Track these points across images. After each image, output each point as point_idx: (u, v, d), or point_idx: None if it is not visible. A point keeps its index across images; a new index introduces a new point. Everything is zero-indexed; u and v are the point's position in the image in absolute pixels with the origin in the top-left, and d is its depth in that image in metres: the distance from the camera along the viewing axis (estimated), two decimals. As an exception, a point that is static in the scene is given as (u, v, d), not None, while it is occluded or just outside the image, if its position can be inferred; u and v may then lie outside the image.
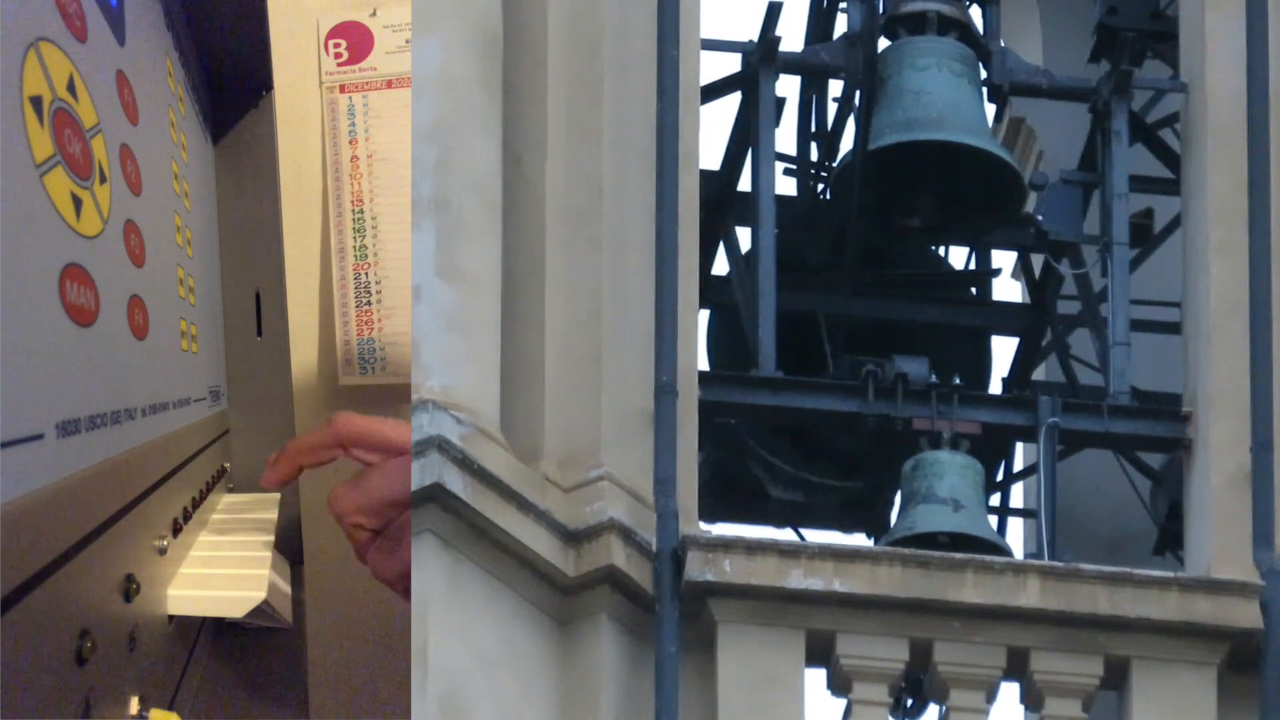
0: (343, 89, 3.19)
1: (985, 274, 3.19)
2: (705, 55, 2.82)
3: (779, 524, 3.09)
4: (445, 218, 2.62)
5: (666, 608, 2.55)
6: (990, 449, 2.98)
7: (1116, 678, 2.64)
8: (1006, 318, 3.17)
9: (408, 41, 3.12)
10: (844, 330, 3.05)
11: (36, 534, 1.17)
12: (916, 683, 2.74)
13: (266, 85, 3.30)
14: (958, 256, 3.20)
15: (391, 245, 3.16)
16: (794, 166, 3.08)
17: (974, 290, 3.18)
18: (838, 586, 2.60)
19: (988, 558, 2.65)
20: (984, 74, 2.98)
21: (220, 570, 2.01)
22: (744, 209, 2.93)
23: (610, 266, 2.68)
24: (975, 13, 3.02)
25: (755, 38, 2.92)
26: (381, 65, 3.17)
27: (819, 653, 2.62)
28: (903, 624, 2.62)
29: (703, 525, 2.63)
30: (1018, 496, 3.29)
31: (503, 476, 2.52)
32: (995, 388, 3.15)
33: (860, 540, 3.10)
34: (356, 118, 3.18)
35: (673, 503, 2.59)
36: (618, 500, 2.58)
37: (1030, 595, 2.61)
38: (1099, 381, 2.94)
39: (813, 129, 3.09)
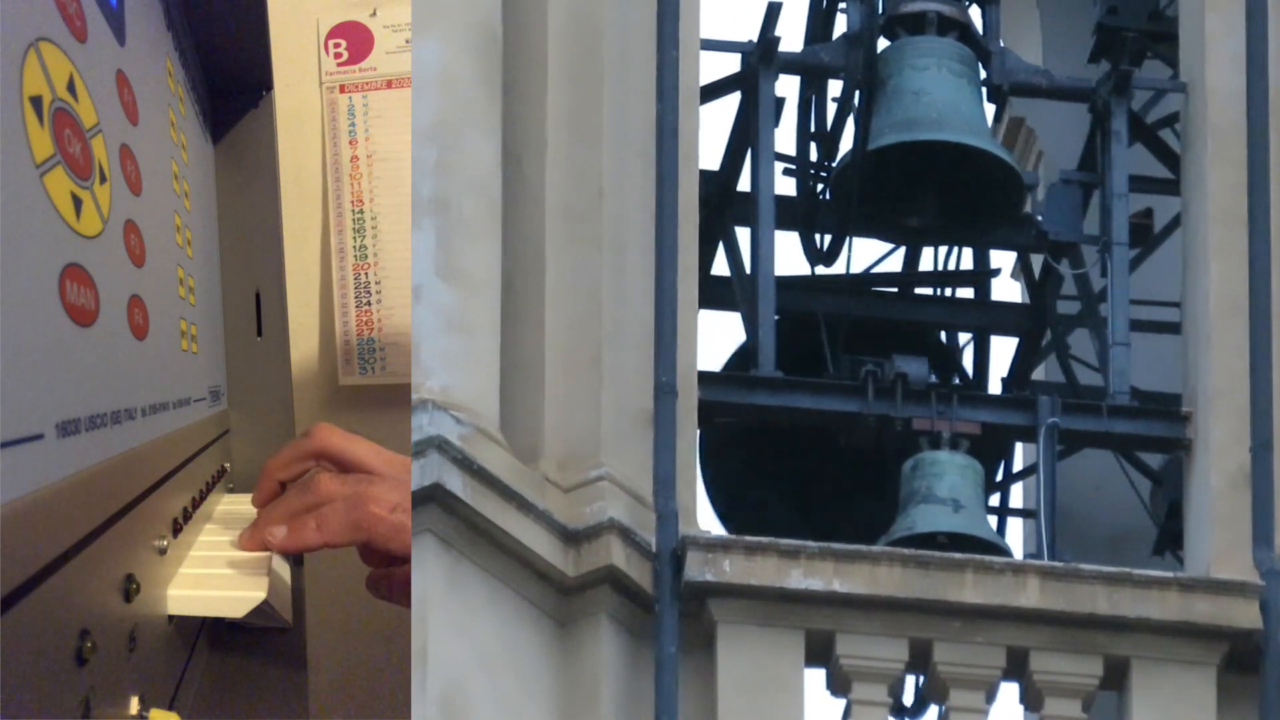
0: (343, 89, 3.19)
1: (985, 274, 3.19)
2: (705, 55, 2.82)
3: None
4: (445, 218, 2.62)
5: (666, 608, 2.55)
6: (990, 449, 2.97)
7: (1116, 678, 2.63)
8: (1006, 318, 3.16)
9: (408, 41, 3.11)
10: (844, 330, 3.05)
11: (36, 534, 1.17)
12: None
13: (266, 85, 3.30)
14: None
15: (391, 245, 3.16)
16: (794, 166, 3.07)
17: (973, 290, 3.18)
18: (837, 586, 2.60)
19: (987, 558, 2.65)
20: (984, 74, 2.98)
21: (220, 570, 2.00)
22: (744, 209, 2.93)
23: (610, 266, 2.68)
24: (975, 13, 3.02)
25: (755, 38, 2.92)
26: (381, 65, 3.17)
27: (819, 653, 2.62)
28: (902, 624, 2.62)
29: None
30: (1018, 496, 3.29)
31: (503, 477, 2.52)
32: (995, 388, 3.15)
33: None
34: (356, 118, 3.18)
35: (672, 503, 2.59)
36: (617, 500, 2.58)
37: (1030, 595, 2.61)
38: (1099, 381, 2.94)
39: (812, 129, 3.08)
